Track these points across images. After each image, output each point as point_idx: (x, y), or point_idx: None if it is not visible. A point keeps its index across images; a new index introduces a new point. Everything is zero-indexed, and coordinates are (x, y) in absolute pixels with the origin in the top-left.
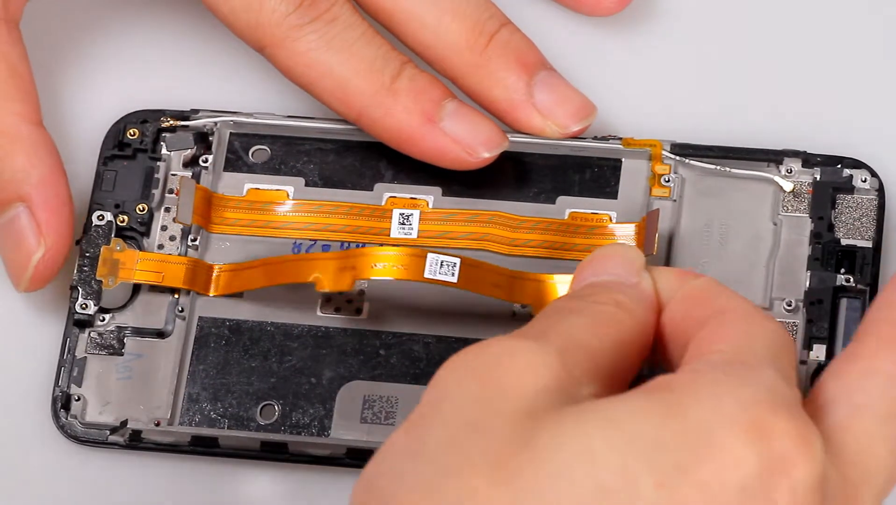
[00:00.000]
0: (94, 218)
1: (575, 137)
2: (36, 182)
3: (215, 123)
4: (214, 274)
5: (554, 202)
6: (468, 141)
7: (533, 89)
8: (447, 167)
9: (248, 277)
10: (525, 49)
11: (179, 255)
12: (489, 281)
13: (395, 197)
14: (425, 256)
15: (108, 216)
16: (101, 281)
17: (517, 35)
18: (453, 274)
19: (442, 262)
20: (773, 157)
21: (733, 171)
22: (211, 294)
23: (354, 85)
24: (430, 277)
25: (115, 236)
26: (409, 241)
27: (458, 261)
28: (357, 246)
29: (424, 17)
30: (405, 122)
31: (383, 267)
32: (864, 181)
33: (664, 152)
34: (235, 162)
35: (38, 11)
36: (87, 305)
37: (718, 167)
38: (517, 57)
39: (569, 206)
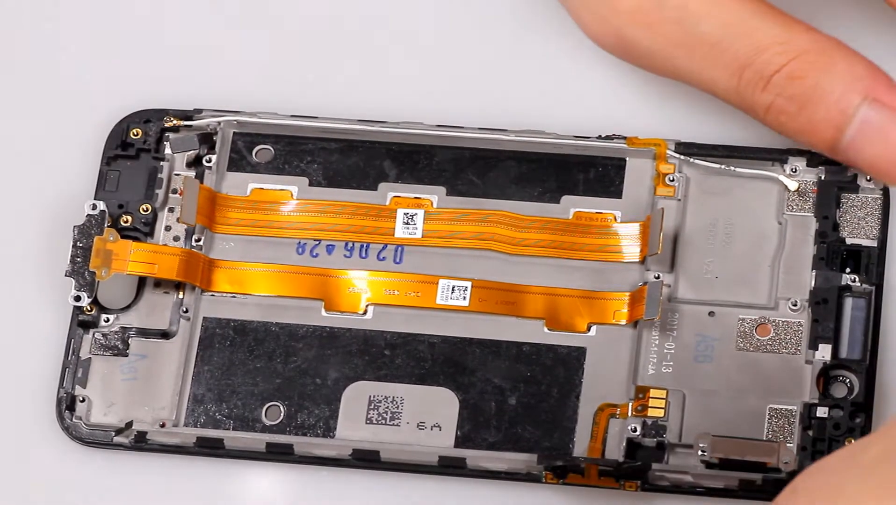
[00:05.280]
0: (86, 207)
1: (579, 136)
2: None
3: (219, 123)
4: (213, 268)
5: (558, 202)
6: None
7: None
8: None
9: (252, 281)
10: None
11: None
12: (500, 299)
13: (399, 196)
14: (437, 283)
15: (101, 205)
16: (94, 272)
17: None
18: (465, 298)
19: (453, 287)
20: (778, 157)
21: (738, 170)
22: (211, 290)
23: None
24: (443, 302)
25: (110, 227)
26: (413, 241)
27: (469, 284)
28: (362, 246)
29: None
30: None
31: (396, 294)
32: (869, 180)
33: (669, 151)
34: (239, 162)
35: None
36: (80, 297)
37: (723, 166)
38: None
39: (573, 206)
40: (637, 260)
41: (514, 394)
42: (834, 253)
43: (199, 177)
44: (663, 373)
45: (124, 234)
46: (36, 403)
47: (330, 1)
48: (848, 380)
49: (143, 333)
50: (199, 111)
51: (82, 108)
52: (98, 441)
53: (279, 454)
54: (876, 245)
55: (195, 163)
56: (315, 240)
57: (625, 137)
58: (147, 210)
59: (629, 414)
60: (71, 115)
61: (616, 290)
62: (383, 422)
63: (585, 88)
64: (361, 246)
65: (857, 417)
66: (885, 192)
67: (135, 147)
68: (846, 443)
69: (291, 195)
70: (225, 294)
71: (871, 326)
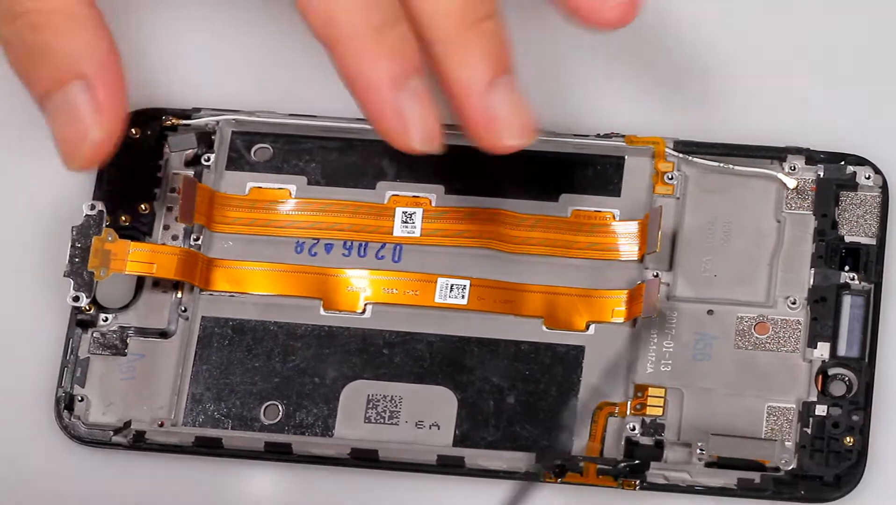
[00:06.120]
0: (84, 207)
1: (577, 135)
2: (97, 61)
3: (217, 122)
4: (211, 267)
5: (557, 200)
6: (413, 124)
7: (493, 88)
8: (382, 135)
9: (251, 280)
10: (504, 47)
11: None
12: (498, 298)
13: (397, 195)
14: (435, 281)
15: (100, 205)
16: (92, 273)
17: (501, 30)
18: (463, 296)
19: (452, 285)
20: (777, 155)
21: (736, 168)
22: (209, 289)
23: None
24: (441, 301)
25: (108, 227)
26: (412, 240)
27: (467, 283)
28: (361, 245)
29: None
30: (373, 74)
31: (395, 293)
32: (868, 178)
33: (667, 150)
34: (238, 161)
35: None
36: (79, 298)
37: (721, 164)
38: (496, 51)
39: (572, 204)
40: (635, 258)
41: (513, 393)
42: (833, 251)
43: (198, 176)
44: (662, 371)
45: (123, 233)
46: (34, 403)
47: None
48: (847, 378)
49: (142, 332)
50: (198, 110)
51: None
52: (96, 440)
53: (277, 454)
54: (875, 243)
55: (193, 162)
56: (313, 239)
57: (623, 136)
58: (146, 209)
59: (627, 413)
60: None
61: (614, 288)
62: (382, 421)
63: (583, 86)
64: (360, 245)
65: (855, 416)
66: (885, 190)
67: (134, 146)
68: (844, 442)
69: (290, 194)
70: (223, 293)
71: (870, 324)
